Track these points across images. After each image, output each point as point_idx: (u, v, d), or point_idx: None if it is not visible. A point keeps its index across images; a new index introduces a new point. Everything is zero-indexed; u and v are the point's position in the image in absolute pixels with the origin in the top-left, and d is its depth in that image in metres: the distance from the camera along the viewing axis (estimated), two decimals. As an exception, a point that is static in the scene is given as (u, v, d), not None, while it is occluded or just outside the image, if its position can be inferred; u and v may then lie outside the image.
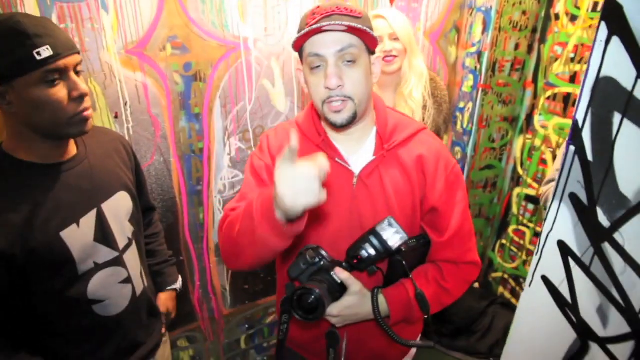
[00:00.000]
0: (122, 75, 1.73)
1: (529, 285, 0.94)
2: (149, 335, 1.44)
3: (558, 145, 2.47)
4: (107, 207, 1.24)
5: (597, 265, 0.79)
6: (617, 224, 0.74)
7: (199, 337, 2.38)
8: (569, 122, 2.38)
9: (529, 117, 2.66)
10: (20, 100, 1.02)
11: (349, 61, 1.06)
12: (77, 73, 1.10)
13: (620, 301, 0.75)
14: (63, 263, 1.13)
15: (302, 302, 1.07)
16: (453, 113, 2.81)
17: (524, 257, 2.81)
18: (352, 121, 1.12)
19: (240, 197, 1.23)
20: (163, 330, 1.56)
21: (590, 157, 0.78)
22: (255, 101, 2.03)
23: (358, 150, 1.23)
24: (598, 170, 0.77)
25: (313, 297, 1.05)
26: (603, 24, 0.72)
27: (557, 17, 2.40)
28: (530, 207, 2.72)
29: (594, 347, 0.81)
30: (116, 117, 1.78)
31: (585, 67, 2.24)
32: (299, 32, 1.06)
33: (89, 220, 1.18)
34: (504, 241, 2.95)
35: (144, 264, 1.42)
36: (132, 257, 1.34)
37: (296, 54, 1.17)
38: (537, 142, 2.61)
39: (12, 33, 0.98)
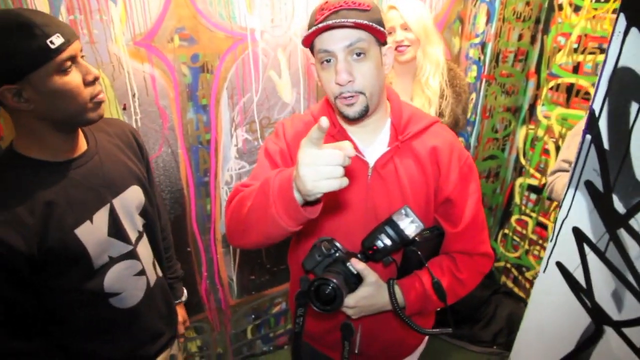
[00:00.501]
0: (130, 66, 1.73)
1: (543, 272, 0.96)
2: (168, 325, 1.46)
3: (561, 136, 2.49)
4: (118, 202, 1.24)
5: (612, 251, 0.81)
6: (632, 211, 0.76)
7: (206, 327, 2.40)
8: (572, 112, 2.40)
9: (532, 108, 2.68)
10: (38, 95, 1.00)
11: (358, 55, 1.07)
12: (82, 57, 1.09)
13: (636, 285, 0.76)
14: (79, 259, 1.13)
15: (319, 293, 1.07)
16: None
17: (526, 246, 2.84)
18: (365, 114, 1.13)
19: (253, 176, 1.22)
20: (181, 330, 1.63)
21: (606, 145, 0.80)
22: (261, 92, 2.04)
23: (373, 141, 1.24)
24: (614, 158, 0.78)
25: (331, 287, 1.05)
26: (622, 15, 0.73)
27: (560, 7, 2.41)
28: (533, 197, 2.75)
29: (609, 331, 0.83)
30: (124, 108, 1.79)
31: (589, 57, 2.26)
32: (308, 28, 1.06)
33: (102, 216, 1.19)
34: (506, 231, 2.98)
35: (155, 255, 1.43)
36: (144, 249, 1.35)
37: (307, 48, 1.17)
38: (540, 133, 2.63)
39: (19, 27, 0.95)
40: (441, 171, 1.21)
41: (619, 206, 0.78)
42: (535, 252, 2.79)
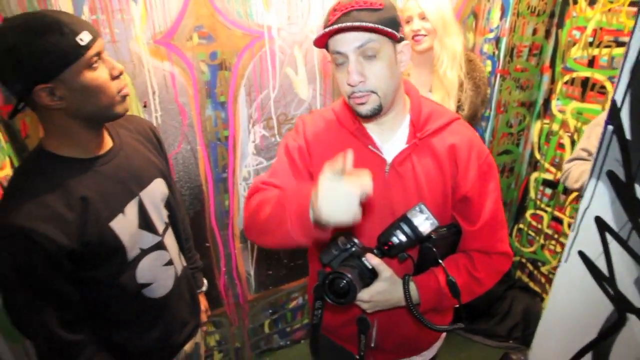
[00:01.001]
0: (151, 65, 1.77)
1: (565, 261, 0.97)
2: (192, 314, 1.50)
3: (576, 130, 2.49)
4: (145, 195, 1.28)
5: (634, 239, 0.82)
6: (655, 200, 0.77)
7: (225, 321, 2.44)
8: (588, 106, 2.40)
9: (546, 102, 2.68)
10: (70, 92, 1.03)
11: (370, 55, 1.07)
12: None
13: (659, 273, 0.78)
14: (115, 252, 1.17)
15: (333, 286, 1.09)
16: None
17: (541, 241, 2.84)
18: (378, 112, 1.14)
19: (272, 172, 1.26)
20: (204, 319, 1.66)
21: (628, 135, 0.81)
22: (278, 89, 2.06)
23: (391, 138, 1.24)
24: (636, 148, 0.80)
25: (345, 281, 1.07)
26: (644, 5, 0.74)
27: (575, 1, 2.40)
28: (548, 191, 2.75)
29: (632, 318, 0.85)
30: (145, 106, 1.82)
31: (604, 50, 2.26)
32: (323, 28, 1.08)
33: (132, 209, 1.22)
34: (521, 225, 2.98)
35: (180, 245, 1.47)
36: (171, 240, 1.38)
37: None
38: (555, 127, 2.63)
39: (49, 26, 0.98)
40: (459, 169, 1.21)
41: (641, 195, 0.80)
42: (551, 247, 2.78)
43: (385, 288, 1.18)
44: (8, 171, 1.47)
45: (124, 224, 1.18)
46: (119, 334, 1.28)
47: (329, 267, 1.18)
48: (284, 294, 2.58)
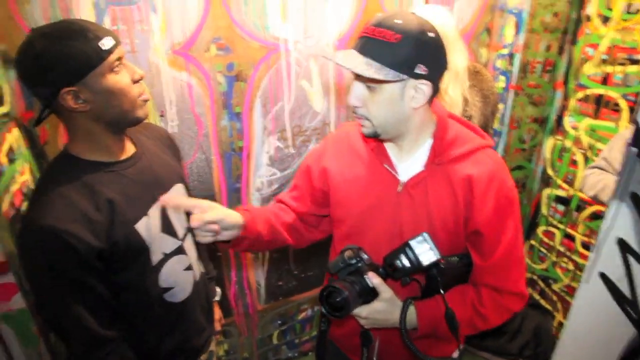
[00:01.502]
0: (169, 75, 1.79)
1: (586, 282, 0.96)
2: (207, 321, 1.51)
3: (590, 147, 2.47)
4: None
5: (658, 263, 0.81)
6: (679, 222, 0.77)
7: (234, 331, 2.44)
8: (601, 123, 2.39)
9: (559, 118, 2.67)
10: (94, 95, 1.06)
11: (369, 86, 1.07)
12: None
13: (683, 297, 0.77)
14: (140, 254, 1.20)
15: (330, 299, 1.11)
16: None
17: (553, 258, 2.81)
18: (377, 137, 1.15)
19: (293, 187, 1.33)
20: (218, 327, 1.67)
21: (652, 158, 0.81)
22: (294, 101, 2.08)
23: (408, 159, 1.22)
24: (660, 171, 0.80)
25: (341, 297, 1.09)
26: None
27: (588, 18, 2.40)
28: (561, 208, 2.73)
29: (655, 342, 0.84)
30: (162, 115, 1.84)
31: (618, 68, 2.25)
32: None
33: (155, 212, 1.25)
34: (533, 242, 2.96)
35: (198, 250, 1.48)
36: (190, 245, 1.40)
37: None
38: (568, 144, 2.62)
39: (74, 32, 1.03)
40: (474, 201, 1.16)
41: (665, 218, 0.79)
42: (563, 264, 2.76)
43: (384, 308, 1.18)
44: (28, 176, 1.48)
45: (149, 227, 1.21)
46: (141, 338, 1.29)
47: (337, 276, 1.21)
48: (294, 305, 2.58)
